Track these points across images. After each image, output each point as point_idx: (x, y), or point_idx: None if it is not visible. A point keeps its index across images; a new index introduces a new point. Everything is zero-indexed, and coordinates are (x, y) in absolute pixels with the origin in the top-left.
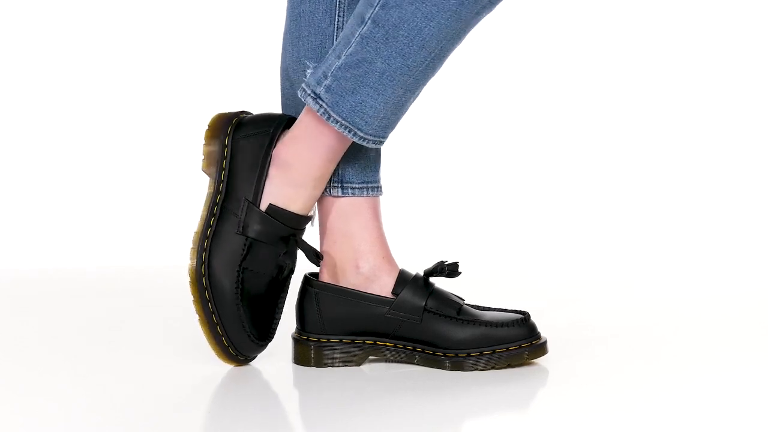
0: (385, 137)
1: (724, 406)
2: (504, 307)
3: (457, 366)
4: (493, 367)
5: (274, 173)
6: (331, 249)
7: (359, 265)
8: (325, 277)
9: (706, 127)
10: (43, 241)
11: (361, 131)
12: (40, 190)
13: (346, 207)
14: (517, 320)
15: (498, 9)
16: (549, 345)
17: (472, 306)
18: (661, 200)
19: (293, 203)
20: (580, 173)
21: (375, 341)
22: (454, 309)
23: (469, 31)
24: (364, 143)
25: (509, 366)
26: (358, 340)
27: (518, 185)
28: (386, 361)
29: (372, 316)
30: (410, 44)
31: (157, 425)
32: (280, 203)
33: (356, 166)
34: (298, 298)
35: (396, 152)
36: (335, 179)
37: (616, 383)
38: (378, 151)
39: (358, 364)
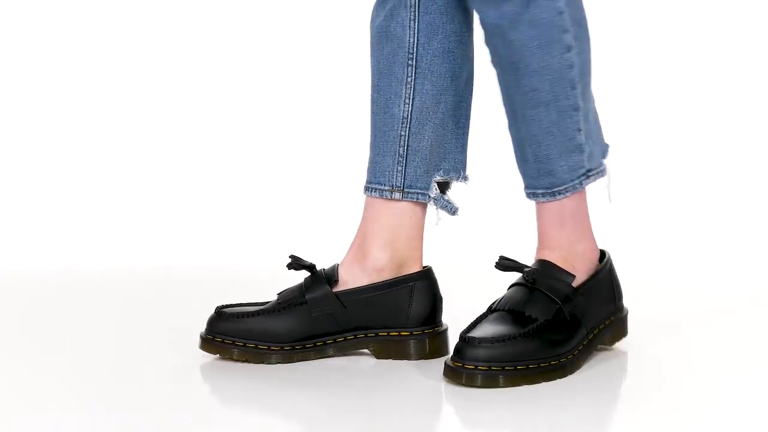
0: None
1: (724, 406)
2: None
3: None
4: None
5: None
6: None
7: None
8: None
9: (704, 125)
10: (43, 241)
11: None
12: (40, 190)
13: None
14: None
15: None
16: None
17: None
18: (660, 200)
19: None
20: None
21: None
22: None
23: None
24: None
25: None
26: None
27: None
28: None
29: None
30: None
31: (156, 425)
32: None
33: None
34: None
35: None
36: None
37: (616, 383)
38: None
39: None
